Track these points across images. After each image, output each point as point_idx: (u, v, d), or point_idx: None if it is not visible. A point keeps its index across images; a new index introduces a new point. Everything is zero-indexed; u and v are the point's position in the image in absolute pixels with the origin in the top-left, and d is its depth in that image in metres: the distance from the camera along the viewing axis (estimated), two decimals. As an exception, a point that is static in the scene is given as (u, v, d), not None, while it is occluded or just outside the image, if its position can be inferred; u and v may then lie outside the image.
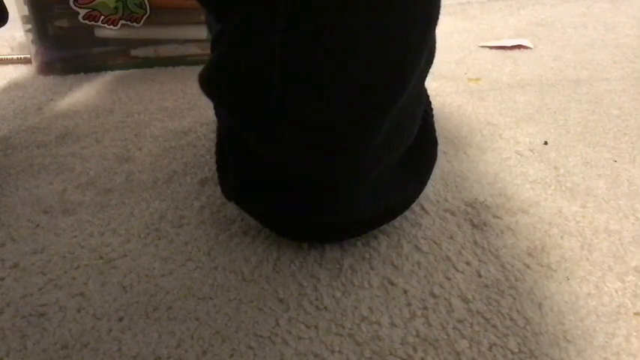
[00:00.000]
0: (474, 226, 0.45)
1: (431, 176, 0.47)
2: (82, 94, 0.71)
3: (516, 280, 0.40)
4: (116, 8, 0.74)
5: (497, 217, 0.46)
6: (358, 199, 0.40)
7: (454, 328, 0.36)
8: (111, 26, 0.75)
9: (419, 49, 0.35)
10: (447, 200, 0.48)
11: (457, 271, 0.41)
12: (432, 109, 0.47)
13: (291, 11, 0.31)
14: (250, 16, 0.33)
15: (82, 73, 0.77)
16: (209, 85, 0.37)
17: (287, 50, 0.33)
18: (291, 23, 0.32)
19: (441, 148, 0.53)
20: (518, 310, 0.37)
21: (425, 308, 0.38)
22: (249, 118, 0.37)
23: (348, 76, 0.34)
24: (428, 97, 0.46)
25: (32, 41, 0.74)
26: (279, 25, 0.32)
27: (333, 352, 0.35)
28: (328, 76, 0.34)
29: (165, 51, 0.78)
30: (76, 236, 0.45)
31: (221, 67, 0.36)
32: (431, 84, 0.67)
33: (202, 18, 0.77)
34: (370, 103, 0.35)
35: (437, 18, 0.36)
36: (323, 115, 0.35)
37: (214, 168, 0.54)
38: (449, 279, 0.40)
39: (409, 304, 0.38)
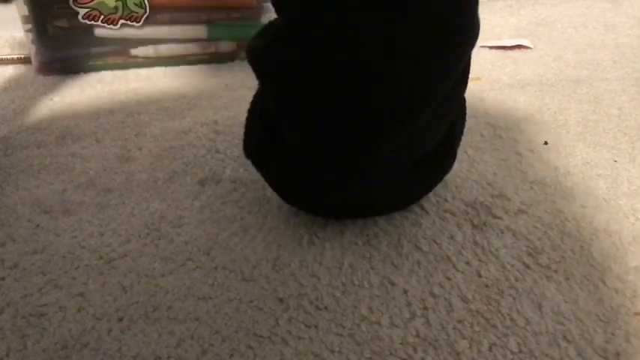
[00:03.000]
0: (474, 226, 0.45)
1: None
2: (82, 94, 0.71)
3: (516, 280, 0.40)
4: (116, 8, 0.74)
5: (497, 217, 0.46)
6: (369, 189, 0.42)
7: (454, 328, 0.36)
8: (111, 26, 0.75)
9: (455, 64, 0.38)
10: (447, 200, 0.48)
11: (457, 271, 0.41)
12: (464, 121, 0.48)
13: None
14: (299, 13, 0.37)
15: (82, 73, 0.77)
16: (259, 60, 0.40)
17: (325, 47, 0.36)
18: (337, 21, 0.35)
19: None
20: (518, 310, 0.37)
21: (425, 308, 0.38)
22: (291, 103, 0.40)
23: (399, 75, 0.36)
24: (464, 118, 0.47)
25: (32, 41, 0.74)
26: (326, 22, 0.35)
27: (333, 352, 0.35)
28: (362, 75, 0.36)
29: (165, 50, 0.78)
30: (76, 236, 0.45)
31: (268, 49, 0.39)
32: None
33: (202, 17, 0.77)
34: (407, 102, 0.37)
35: (472, 43, 0.38)
36: (347, 110, 0.37)
37: (214, 168, 0.54)
38: (449, 279, 0.40)
39: (409, 304, 0.38)
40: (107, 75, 0.76)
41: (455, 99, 0.43)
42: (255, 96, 0.45)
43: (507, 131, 0.59)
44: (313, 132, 0.39)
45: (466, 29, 0.37)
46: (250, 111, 0.46)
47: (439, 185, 0.50)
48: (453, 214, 0.47)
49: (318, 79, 0.37)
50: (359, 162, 0.40)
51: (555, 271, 0.41)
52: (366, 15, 0.34)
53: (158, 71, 0.77)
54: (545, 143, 0.57)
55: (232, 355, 0.35)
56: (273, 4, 0.39)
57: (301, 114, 0.39)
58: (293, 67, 0.38)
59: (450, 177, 0.51)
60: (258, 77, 0.41)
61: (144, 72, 0.77)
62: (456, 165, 0.53)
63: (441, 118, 0.42)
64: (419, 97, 0.37)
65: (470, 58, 0.40)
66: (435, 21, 0.35)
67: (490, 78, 0.72)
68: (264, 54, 0.39)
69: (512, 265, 0.41)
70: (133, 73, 0.77)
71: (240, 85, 0.72)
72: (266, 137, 0.43)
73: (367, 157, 0.39)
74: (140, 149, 0.57)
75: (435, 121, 0.41)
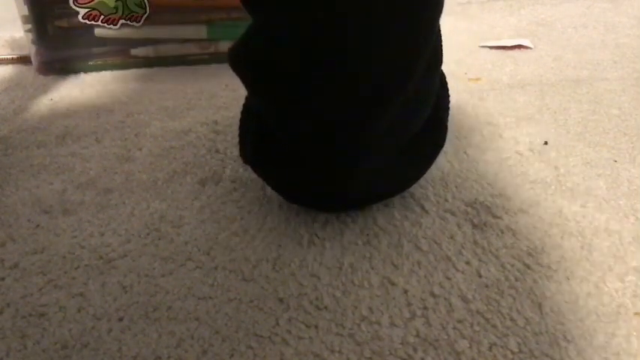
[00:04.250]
0: (474, 226, 0.45)
1: (431, 176, 0.47)
2: (82, 94, 0.71)
3: (516, 280, 0.40)
4: (116, 8, 0.74)
5: (497, 217, 0.46)
6: (359, 179, 0.42)
7: (454, 328, 0.36)
8: (111, 26, 0.75)
9: (424, 43, 0.37)
10: (447, 200, 0.48)
11: (457, 270, 0.41)
12: (447, 94, 0.48)
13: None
14: (278, 11, 0.37)
15: (82, 73, 0.77)
16: (236, 62, 0.41)
17: (307, 41, 0.36)
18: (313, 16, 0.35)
19: (441, 148, 0.53)
20: (518, 310, 0.37)
21: (425, 308, 0.38)
22: (268, 102, 0.41)
23: (358, 65, 0.36)
24: (446, 89, 0.47)
25: (32, 41, 0.74)
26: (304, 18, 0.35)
27: (333, 352, 0.35)
28: (338, 64, 0.36)
29: (165, 50, 0.78)
30: (76, 236, 0.45)
31: (248, 50, 0.40)
32: (431, 84, 0.67)
33: (202, 17, 0.77)
34: (374, 90, 0.37)
35: (439, 14, 0.38)
36: (328, 101, 0.37)
37: (214, 168, 0.54)
38: (449, 279, 0.40)
39: (409, 304, 0.38)
40: (107, 75, 0.76)
41: (434, 75, 0.42)
42: (247, 99, 0.46)
43: (507, 131, 0.59)
44: (295, 128, 0.40)
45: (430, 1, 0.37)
46: (243, 115, 0.46)
47: (439, 185, 0.50)
48: (453, 214, 0.47)
49: (286, 76, 0.38)
50: (346, 154, 0.40)
51: (555, 271, 0.41)
52: (325, 13, 0.35)
53: (158, 71, 0.77)
54: (545, 143, 0.57)
55: (232, 355, 0.35)
56: (245, 7, 0.39)
57: (277, 111, 0.40)
58: (260, 65, 0.39)
59: (450, 177, 0.51)
60: (241, 79, 0.42)
61: (144, 72, 0.77)
62: (456, 165, 0.53)
63: (424, 97, 0.42)
64: (391, 81, 0.37)
65: (439, 30, 0.40)
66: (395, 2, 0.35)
67: (490, 78, 0.72)
68: (236, 55, 0.40)
69: (512, 265, 0.41)
70: (132, 73, 0.77)
71: (240, 85, 0.71)
72: (260, 138, 0.44)
73: (353, 147, 0.40)
74: (140, 149, 0.57)
75: (418, 102, 0.41)
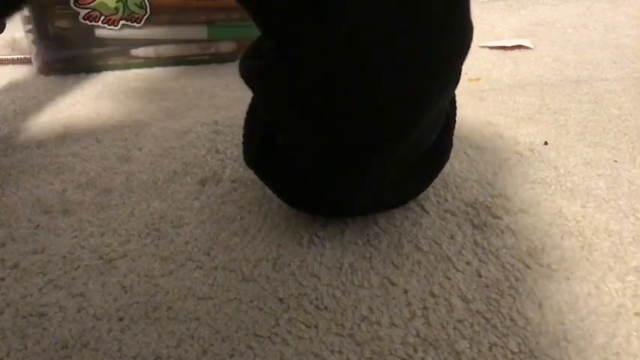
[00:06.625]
0: (474, 226, 0.45)
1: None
2: (82, 94, 0.71)
3: (516, 280, 0.40)
4: (116, 8, 0.74)
5: (497, 217, 0.46)
6: (366, 191, 0.42)
7: (454, 328, 0.36)
8: (111, 26, 0.75)
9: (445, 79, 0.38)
10: (447, 200, 0.48)
11: (457, 270, 0.41)
12: (455, 109, 0.48)
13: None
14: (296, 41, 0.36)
15: (82, 73, 0.77)
16: (249, 74, 0.41)
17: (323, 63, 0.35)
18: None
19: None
20: (518, 310, 0.37)
21: (425, 308, 0.38)
22: (279, 117, 0.41)
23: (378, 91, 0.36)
24: (455, 107, 0.48)
25: (33, 41, 0.75)
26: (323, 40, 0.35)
27: (333, 352, 0.35)
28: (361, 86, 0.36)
29: (165, 51, 0.78)
30: (76, 236, 0.45)
31: (262, 64, 0.40)
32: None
33: (202, 18, 0.77)
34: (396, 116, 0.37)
35: (463, 58, 0.38)
36: (343, 121, 0.37)
37: (214, 168, 0.54)
38: (449, 279, 0.40)
39: (409, 304, 0.38)
40: (108, 75, 0.77)
41: (449, 99, 0.43)
42: (252, 104, 0.46)
43: (507, 131, 0.59)
44: (303, 143, 0.40)
45: (457, 34, 0.36)
46: (248, 115, 0.46)
47: (439, 185, 0.50)
48: (453, 214, 0.47)
49: (310, 99, 0.37)
50: (358, 174, 0.40)
51: (555, 271, 0.41)
52: (352, 42, 0.34)
53: (158, 71, 0.77)
54: (545, 143, 0.57)
55: (232, 355, 0.35)
56: (260, 26, 0.39)
57: (287, 126, 0.40)
58: (273, 82, 0.38)
59: (450, 177, 0.51)
60: (253, 92, 0.42)
61: (144, 72, 0.77)
62: (456, 165, 0.53)
63: (439, 118, 0.42)
64: (410, 115, 0.37)
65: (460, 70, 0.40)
66: (423, 33, 0.35)
67: (490, 78, 0.72)
68: (250, 67, 0.40)
69: (512, 265, 0.41)
70: (133, 73, 0.77)
71: (240, 85, 0.71)
72: (266, 144, 0.43)
73: (366, 173, 0.40)
74: (140, 149, 0.57)
75: (433, 125, 0.41)
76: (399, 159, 0.40)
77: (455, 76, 0.39)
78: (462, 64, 0.38)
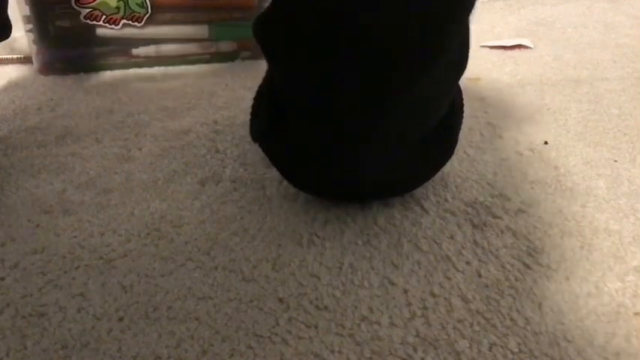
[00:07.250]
0: (474, 226, 0.45)
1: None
2: (82, 94, 0.71)
3: (516, 280, 0.40)
4: (117, 8, 0.74)
5: (497, 217, 0.46)
6: (369, 163, 0.42)
7: (454, 328, 0.36)
8: (112, 26, 0.75)
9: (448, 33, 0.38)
10: (447, 200, 0.48)
11: (457, 270, 0.41)
12: (462, 116, 0.49)
13: None
14: None
15: (82, 73, 0.77)
16: (260, 33, 0.41)
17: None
18: None
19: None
20: (518, 310, 0.37)
21: (425, 308, 0.38)
22: (287, 71, 0.41)
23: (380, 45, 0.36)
24: (462, 110, 0.48)
25: (33, 41, 0.74)
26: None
27: (333, 352, 0.35)
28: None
29: (166, 50, 0.78)
30: (76, 236, 0.45)
31: (274, 20, 0.40)
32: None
33: (204, 17, 0.77)
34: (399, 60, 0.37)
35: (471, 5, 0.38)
36: (348, 77, 0.37)
37: (214, 168, 0.54)
38: (449, 279, 0.40)
39: (409, 304, 0.38)
40: (108, 75, 0.76)
41: (456, 76, 0.43)
42: (265, 79, 0.46)
43: (507, 131, 0.59)
44: (313, 99, 0.40)
45: None
46: (258, 94, 0.47)
47: (439, 185, 0.50)
48: (453, 214, 0.47)
49: (319, 36, 0.37)
50: (363, 134, 0.40)
51: (555, 271, 0.41)
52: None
53: (159, 71, 0.77)
54: (545, 143, 0.57)
55: (232, 355, 0.35)
56: None
57: (299, 83, 0.40)
58: (281, 40, 0.39)
59: (450, 177, 0.51)
60: (262, 51, 0.42)
61: (144, 72, 0.77)
62: (456, 165, 0.53)
63: (445, 85, 0.42)
64: (419, 57, 0.37)
65: (469, 25, 0.40)
66: None
67: (490, 78, 0.72)
68: (262, 27, 0.41)
69: (512, 265, 0.41)
70: (133, 72, 0.77)
71: (240, 85, 0.72)
72: (273, 118, 0.44)
73: (371, 127, 0.39)
74: (140, 149, 0.57)
75: (438, 88, 0.41)
76: (408, 115, 0.40)
77: (464, 19, 0.39)
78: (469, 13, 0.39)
